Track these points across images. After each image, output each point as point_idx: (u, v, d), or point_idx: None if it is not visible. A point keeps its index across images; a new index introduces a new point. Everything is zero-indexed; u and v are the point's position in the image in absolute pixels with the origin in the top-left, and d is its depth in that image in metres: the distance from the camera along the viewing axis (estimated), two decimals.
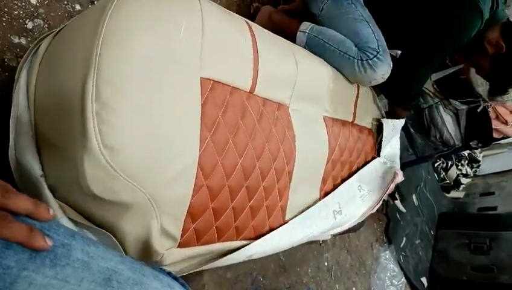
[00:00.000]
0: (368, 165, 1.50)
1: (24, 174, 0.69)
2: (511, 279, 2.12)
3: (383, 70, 1.29)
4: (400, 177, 1.58)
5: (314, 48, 1.32)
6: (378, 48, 1.28)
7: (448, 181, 3.19)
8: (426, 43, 1.43)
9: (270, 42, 1.02)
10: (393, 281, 2.10)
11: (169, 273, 0.65)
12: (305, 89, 1.11)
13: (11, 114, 0.71)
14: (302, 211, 1.17)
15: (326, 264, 1.69)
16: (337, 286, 1.72)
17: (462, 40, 1.41)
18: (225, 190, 0.86)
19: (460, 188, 3.33)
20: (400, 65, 1.46)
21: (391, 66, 1.32)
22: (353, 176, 1.40)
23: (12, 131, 0.71)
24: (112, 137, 0.62)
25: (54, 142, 0.68)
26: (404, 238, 2.28)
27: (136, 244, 0.75)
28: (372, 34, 1.31)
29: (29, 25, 0.92)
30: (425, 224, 2.52)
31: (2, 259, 0.42)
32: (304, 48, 1.33)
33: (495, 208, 2.68)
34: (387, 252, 2.14)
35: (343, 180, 1.38)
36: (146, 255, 0.77)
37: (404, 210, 2.32)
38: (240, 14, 0.98)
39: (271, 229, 1.05)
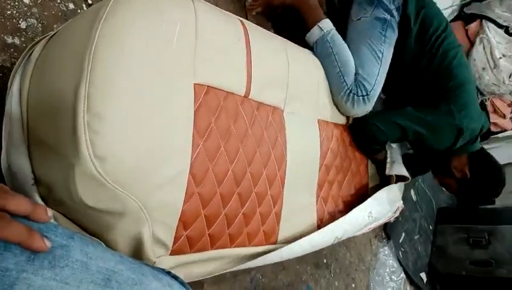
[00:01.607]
0: (383, 189, 1.50)
1: (16, 182, 0.70)
2: (509, 273, 2.13)
3: (360, 111, 1.32)
4: (399, 213, 1.62)
5: (320, 50, 1.32)
6: (370, 91, 1.30)
7: None
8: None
9: (264, 43, 1.03)
10: (393, 276, 2.10)
11: (168, 273, 0.65)
12: (298, 90, 1.11)
13: (4, 121, 0.71)
14: (298, 217, 1.16)
15: (325, 261, 1.69)
16: (336, 282, 1.72)
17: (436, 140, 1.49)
18: (217, 197, 0.87)
19: None
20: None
21: (368, 111, 1.36)
22: (367, 201, 1.39)
23: (5, 138, 0.71)
24: (103, 147, 0.63)
25: (46, 151, 0.68)
26: (403, 234, 2.29)
27: (127, 252, 0.75)
28: (375, 75, 1.32)
29: (23, 25, 0.91)
30: (424, 219, 2.52)
31: (1, 261, 0.42)
32: (312, 45, 1.32)
33: (493, 202, 2.68)
34: (386, 248, 2.14)
35: (341, 185, 1.37)
36: None
37: (402, 206, 2.33)
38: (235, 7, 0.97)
39: (265, 236, 1.05)
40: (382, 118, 1.44)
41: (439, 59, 1.45)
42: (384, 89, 1.45)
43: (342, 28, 1.41)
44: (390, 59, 1.39)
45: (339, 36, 1.34)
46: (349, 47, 1.34)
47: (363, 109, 1.31)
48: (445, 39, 1.45)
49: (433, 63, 1.46)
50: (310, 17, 1.37)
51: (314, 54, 1.32)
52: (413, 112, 1.44)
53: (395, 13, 1.39)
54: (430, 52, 1.45)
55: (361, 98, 1.28)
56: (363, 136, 1.45)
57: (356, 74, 1.30)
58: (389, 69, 1.40)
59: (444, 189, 1.88)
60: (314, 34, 1.34)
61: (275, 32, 1.18)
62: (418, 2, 1.45)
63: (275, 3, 1.49)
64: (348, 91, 1.27)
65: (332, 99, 1.31)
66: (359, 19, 1.39)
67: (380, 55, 1.34)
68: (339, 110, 1.32)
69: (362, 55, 1.33)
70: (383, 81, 1.37)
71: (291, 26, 1.53)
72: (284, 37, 1.17)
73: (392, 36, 1.39)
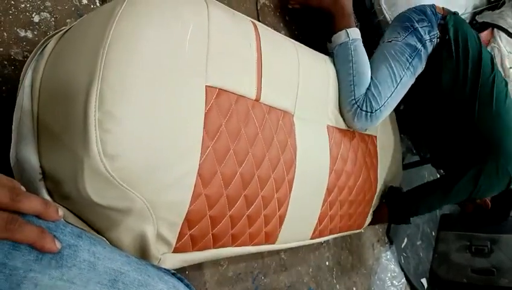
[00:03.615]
0: None
1: (24, 176, 0.69)
2: (511, 282, 2.12)
3: (359, 125, 1.30)
4: None
5: (340, 55, 1.31)
6: (376, 110, 1.28)
7: None
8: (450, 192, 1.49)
9: (275, 47, 1.02)
10: (394, 281, 2.10)
11: (173, 274, 0.65)
12: (308, 95, 1.11)
13: (14, 114, 0.71)
14: (300, 220, 1.17)
15: (327, 263, 1.69)
16: (337, 285, 1.73)
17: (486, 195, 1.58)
18: (223, 199, 0.87)
19: None
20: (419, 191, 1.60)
21: (366, 130, 1.38)
22: None
23: (15, 132, 0.71)
24: (113, 146, 0.63)
25: (55, 146, 0.68)
26: (406, 239, 2.28)
27: (132, 248, 0.75)
28: (387, 97, 1.30)
29: (36, 19, 0.91)
30: (426, 225, 2.52)
31: (9, 260, 0.42)
32: (334, 48, 1.32)
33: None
34: (388, 252, 2.14)
35: (351, 191, 1.37)
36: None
37: None
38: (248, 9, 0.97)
39: (266, 236, 1.05)
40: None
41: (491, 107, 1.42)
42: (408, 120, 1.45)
43: (374, 47, 1.41)
44: (408, 87, 1.37)
45: (363, 50, 1.33)
46: (371, 64, 1.32)
47: (363, 124, 1.30)
48: (494, 82, 1.41)
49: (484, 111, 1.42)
50: (342, 22, 1.35)
51: (331, 58, 1.32)
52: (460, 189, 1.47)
53: (428, 44, 1.37)
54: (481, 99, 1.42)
55: (364, 113, 1.26)
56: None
57: (368, 89, 1.28)
58: (420, 101, 1.43)
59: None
60: (339, 38, 1.33)
61: (287, 34, 1.17)
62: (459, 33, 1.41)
63: (312, 3, 1.48)
64: (354, 102, 1.26)
65: (339, 106, 1.30)
66: (390, 41, 1.38)
67: (399, 80, 1.32)
68: (343, 120, 1.32)
69: (380, 74, 1.31)
70: (394, 105, 1.35)
71: (309, 29, 1.53)
72: (297, 39, 1.17)
73: (418, 66, 1.37)
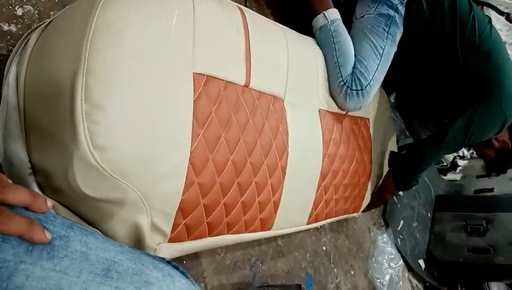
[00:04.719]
0: None
1: (13, 171, 0.69)
2: (507, 260, 2.14)
3: (353, 105, 1.30)
4: None
5: (322, 39, 1.31)
6: (366, 86, 1.28)
7: (445, 163, 3.19)
8: (447, 134, 1.46)
9: (263, 31, 1.02)
10: (391, 264, 2.11)
11: (168, 262, 0.65)
12: (298, 79, 1.10)
13: (0, 111, 0.70)
14: (295, 205, 1.17)
15: (324, 248, 1.70)
16: (335, 270, 1.73)
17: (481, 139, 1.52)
18: (216, 187, 0.86)
19: (457, 170, 3.33)
20: (415, 148, 1.59)
21: (360, 108, 1.35)
22: None
23: (2, 128, 0.70)
24: (102, 137, 0.63)
25: (44, 140, 0.67)
26: (402, 222, 2.30)
27: (126, 240, 0.75)
28: (373, 71, 1.30)
29: (19, 12, 0.90)
30: (422, 207, 2.53)
31: None
32: (314, 32, 1.31)
33: (491, 190, 2.69)
34: (384, 235, 2.15)
35: (345, 175, 1.37)
36: None
37: (401, 193, 2.34)
38: None
39: (261, 223, 1.06)
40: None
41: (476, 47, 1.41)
42: (397, 88, 1.44)
43: (347, 27, 1.39)
44: (391, 56, 1.37)
45: (344, 28, 1.33)
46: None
47: (356, 103, 1.30)
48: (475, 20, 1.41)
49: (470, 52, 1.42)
50: (319, 6, 1.35)
51: (316, 42, 1.31)
52: (461, 127, 1.45)
53: (400, 8, 1.37)
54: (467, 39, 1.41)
55: (354, 92, 1.27)
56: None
57: (354, 67, 1.28)
58: (406, 65, 1.40)
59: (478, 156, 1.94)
60: (318, 22, 1.33)
61: (274, 20, 1.16)
62: None
63: None
64: (342, 83, 1.26)
65: (329, 89, 1.30)
66: (362, 16, 1.38)
67: (381, 51, 1.32)
68: (335, 102, 1.32)
69: (362, 50, 1.31)
70: (382, 77, 1.35)
71: (296, 13, 1.52)
72: (285, 24, 1.16)
73: (397, 32, 1.37)
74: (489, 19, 1.47)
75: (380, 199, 1.71)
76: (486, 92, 1.41)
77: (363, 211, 1.66)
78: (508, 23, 2.31)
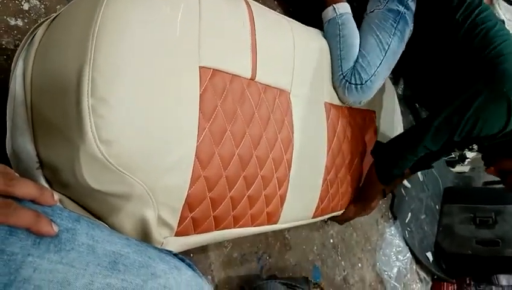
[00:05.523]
0: None
1: (20, 165, 0.70)
2: None
3: (352, 100, 1.29)
4: None
5: (329, 31, 1.30)
6: (366, 81, 1.26)
7: (453, 155, 3.18)
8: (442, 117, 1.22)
9: (269, 25, 1.01)
10: (399, 256, 2.11)
11: (175, 255, 0.65)
12: (304, 72, 1.10)
13: (8, 104, 0.71)
14: (301, 199, 1.17)
15: (331, 241, 1.70)
16: (342, 262, 1.74)
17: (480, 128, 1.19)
18: (222, 180, 0.87)
19: (466, 162, 3.30)
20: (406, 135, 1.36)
21: (361, 103, 1.32)
22: None
23: (9, 122, 0.71)
24: (108, 131, 0.63)
25: (51, 134, 0.68)
26: (409, 214, 2.29)
27: (133, 234, 0.76)
28: (376, 66, 1.28)
29: (26, 6, 0.90)
30: (430, 199, 2.52)
31: (6, 246, 0.42)
32: (324, 24, 1.32)
33: (500, 182, 2.67)
34: (392, 228, 2.14)
35: (350, 168, 1.36)
36: None
37: (409, 185, 2.32)
38: None
39: (268, 216, 1.06)
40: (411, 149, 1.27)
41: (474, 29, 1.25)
42: (405, 76, 1.40)
43: (358, 23, 1.38)
44: (399, 52, 1.34)
45: (353, 22, 1.32)
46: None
47: (356, 97, 1.29)
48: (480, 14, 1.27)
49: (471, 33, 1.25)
50: None
51: (323, 34, 1.31)
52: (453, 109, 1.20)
53: (410, 4, 1.33)
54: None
55: (353, 86, 1.26)
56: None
57: (356, 61, 1.27)
58: (415, 54, 1.34)
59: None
60: (327, 14, 1.32)
61: (281, 12, 1.16)
62: None
63: None
64: (342, 76, 1.26)
65: (332, 82, 1.29)
66: (372, 11, 1.36)
67: (386, 47, 1.30)
68: (337, 95, 1.31)
69: (368, 44, 1.30)
70: (386, 73, 1.33)
71: (303, 6, 1.51)
72: (292, 16, 1.16)
73: (406, 29, 1.33)
74: (503, 21, 1.38)
75: (363, 196, 1.51)
76: (488, 75, 1.19)
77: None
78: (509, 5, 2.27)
